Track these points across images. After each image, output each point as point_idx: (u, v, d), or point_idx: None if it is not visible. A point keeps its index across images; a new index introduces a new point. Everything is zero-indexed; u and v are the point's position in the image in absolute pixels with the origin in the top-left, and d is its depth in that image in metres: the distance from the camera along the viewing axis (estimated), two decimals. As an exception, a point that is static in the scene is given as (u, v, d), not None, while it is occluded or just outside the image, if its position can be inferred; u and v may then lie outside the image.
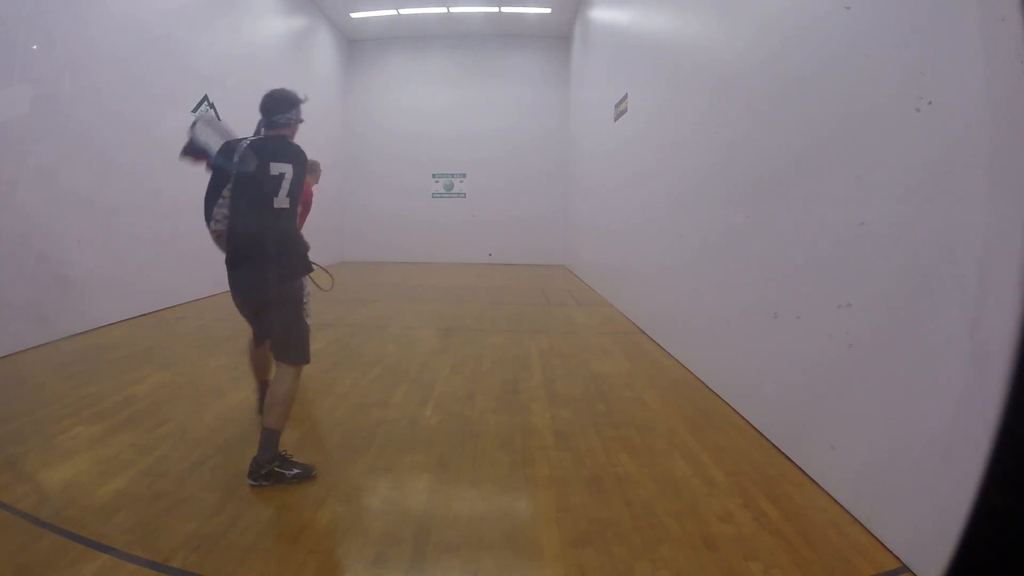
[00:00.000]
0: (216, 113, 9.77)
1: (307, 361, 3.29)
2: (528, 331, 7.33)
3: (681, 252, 5.80)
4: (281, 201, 3.15)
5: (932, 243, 2.34)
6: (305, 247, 3.43)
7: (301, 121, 3.37)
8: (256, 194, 3.11)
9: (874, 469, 2.67)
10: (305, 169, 3.24)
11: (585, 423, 4.04)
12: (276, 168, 3.13)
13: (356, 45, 17.78)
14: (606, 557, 2.46)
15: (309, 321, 3.19)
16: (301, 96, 3.34)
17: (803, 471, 3.24)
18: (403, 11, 15.63)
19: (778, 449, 3.56)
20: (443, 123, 17.64)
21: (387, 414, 4.17)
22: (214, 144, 3.26)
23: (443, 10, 15.52)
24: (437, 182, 17.87)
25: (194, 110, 9.21)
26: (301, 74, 14.28)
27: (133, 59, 7.58)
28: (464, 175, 17.49)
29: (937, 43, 2.35)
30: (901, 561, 2.40)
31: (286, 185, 3.15)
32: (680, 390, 4.86)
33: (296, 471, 3.08)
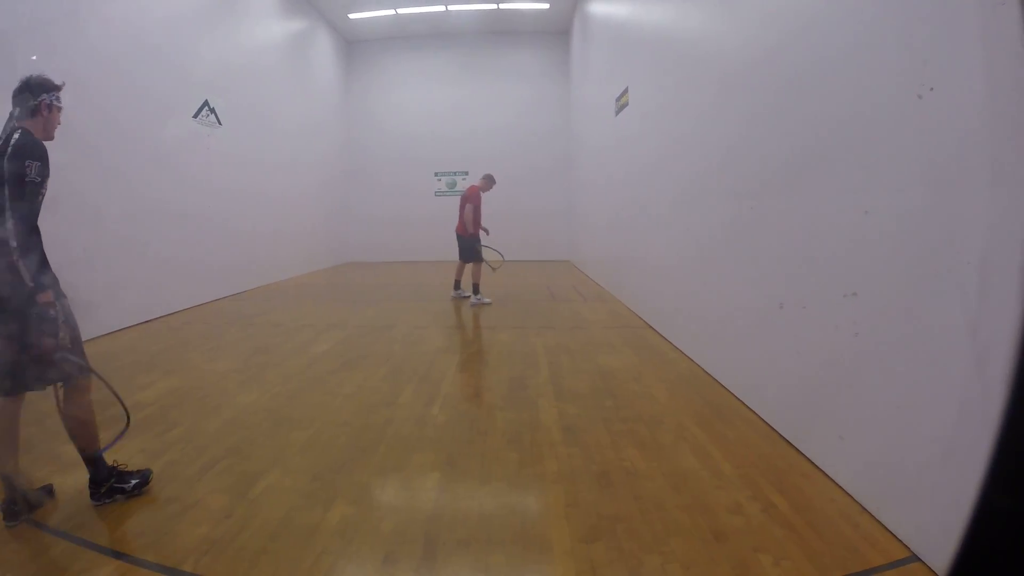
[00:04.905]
0: (217, 118, 9.79)
1: (66, 377, 2.83)
2: (534, 327, 7.33)
3: (686, 245, 5.79)
4: None
5: (937, 230, 2.33)
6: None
7: (59, 107, 2.92)
8: None
9: (882, 459, 2.66)
10: (17, 165, 2.59)
11: (593, 418, 4.04)
12: None
13: (355, 46, 17.81)
14: (616, 552, 2.46)
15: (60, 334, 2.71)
16: (57, 82, 2.92)
17: (812, 462, 3.23)
18: (401, 11, 15.63)
19: (786, 441, 3.55)
20: (444, 121, 17.65)
21: (395, 413, 4.18)
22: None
23: (441, 8, 15.52)
24: (440, 180, 17.89)
25: (195, 116, 9.24)
26: (301, 77, 14.31)
27: (132, 66, 7.60)
28: (467, 173, 17.48)
29: (938, 30, 2.33)
30: (911, 550, 2.39)
31: None
32: (687, 383, 4.85)
33: (135, 481, 2.98)
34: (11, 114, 2.78)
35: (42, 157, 2.67)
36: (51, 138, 2.86)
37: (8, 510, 2.74)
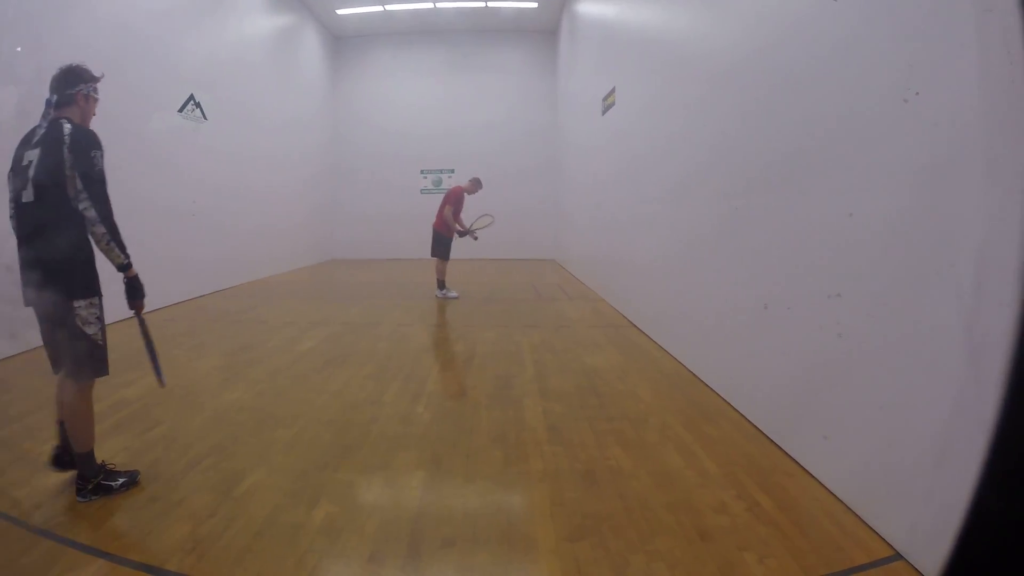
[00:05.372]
0: (203, 112, 9.71)
1: (90, 377, 2.93)
2: (519, 326, 7.33)
3: (671, 245, 5.81)
4: (28, 195, 2.76)
5: (921, 233, 2.36)
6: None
7: (95, 98, 3.03)
8: (11, 191, 2.85)
9: (867, 458, 2.69)
10: (64, 153, 2.73)
11: (578, 417, 4.05)
12: (28, 157, 2.79)
13: (342, 42, 17.72)
14: (602, 550, 2.46)
15: (90, 331, 2.87)
16: (96, 73, 3.02)
17: (796, 462, 3.26)
18: (389, 7, 15.57)
19: (771, 440, 3.58)
20: (431, 118, 17.60)
21: (380, 411, 4.17)
22: None
23: (430, 5, 15.48)
24: (425, 178, 17.84)
25: (180, 110, 9.16)
26: (287, 72, 14.21)
27: (118, 60, 7.49)
28: (452, 171, 17.44)
29: (925, 34, 2.35)
30: (895, 549, 2.41)
31: (31, 174, 2.75)
32: (672, 383, 4.87)
33: (123, 480, 2.97)
34: (48, 100, 2.85)
35: (100, 144, 2.82)
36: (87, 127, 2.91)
37: (81, 486, 2.89)
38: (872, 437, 2.64)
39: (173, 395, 3.91)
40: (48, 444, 3.39)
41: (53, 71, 2.90)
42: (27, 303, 2.93)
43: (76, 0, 6.81)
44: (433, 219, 9.51)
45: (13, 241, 2.88)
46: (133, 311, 3.08)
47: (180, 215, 8.86)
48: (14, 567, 2.34)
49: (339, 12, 15.81)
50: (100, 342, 2.92)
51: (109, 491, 2.92)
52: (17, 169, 2.82)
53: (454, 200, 9.34)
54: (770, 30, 3.76)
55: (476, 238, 9.70)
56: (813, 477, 3.08)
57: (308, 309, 8.80)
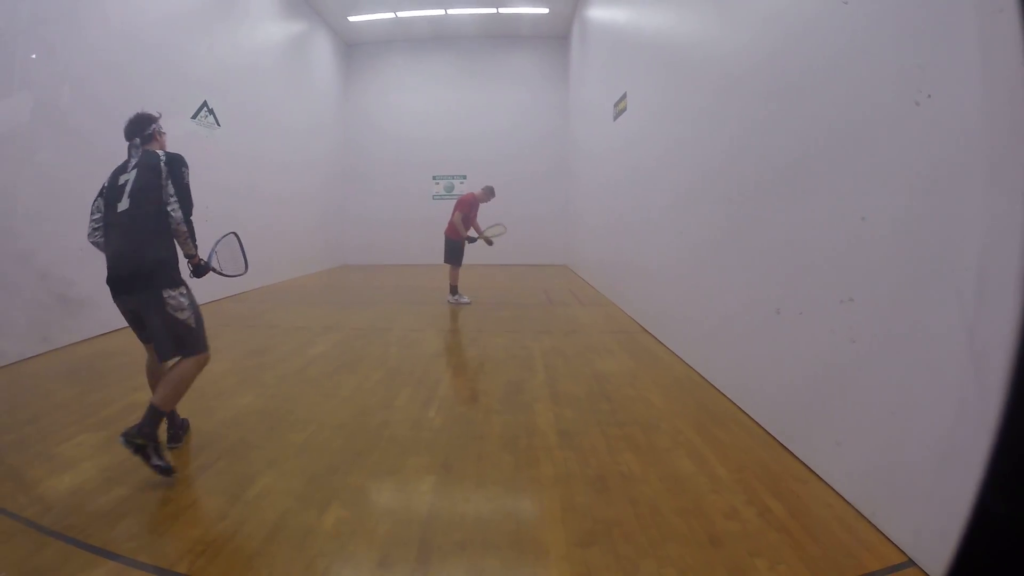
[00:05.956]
0: (215, 119, 9.78)
1: (192, 354, 3.34)
2: (531, 331, 7.33)
3: (682, 250, 5.79)
4: (124, 204, 3.32)
5: (933, 236, 2.34)
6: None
7: (163, 132, 3.71)
8: (99, 210, 3.47)
9: (879, 464, 2.67)
10: (161, 168, 3.38)
11: (589, 422, 4.03)
12: (122, 179, 3.40)
13: (354, 49, 17.83)
14: (612, 556, 2.45)
15: (183, 316, 3.29)
16: (155, 113, 3.69)
17: (808, 467, 3.24)
18: (401, 14, 15.65)
19: (783, 446, 3.55)
20: (442, 125, 17.67)
21: (391, 416, 4.18)
22: (226, 264, 3.81)
23: (441, 12, 15.55)
24: (438, 184, 17.90)
25: (194, 117, 9.23)
26: (300, 79, 14.31)
27: (132, 67, 7.59)
28: (465, 177, 17.50)
29: (936, 36, 2.34)
30: (907, 555, 2.39)
31: (127, 189, 3.34)
32: (684, 388, 4.85)
33: (159, 463, 3.10)
34: (133, 143, 3.53)
35: (187, 164, 3.48)
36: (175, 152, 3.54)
37: (172, 435, 3.59)
38: (885, 443, 2.62)
39: (184, 399, 3.90)
40: (60, 446, 3.43)
41: (126, 117, 3.60)
42: (120, 300, 3.34)
43: (89, 7, 6.90)
44: (445, 226, 9.56)
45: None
46: (201, 276, 3.67)
47: (194, 220, 8.85)
48: (25, 568, 2.35)
49: (351, 19, 15.90)
50: (193, 324, 3.33)
51: (145, 459, 3.10)
52: (111, 188, 3.40)
53: (465, 207, 9.38)
54: (780, 34, 3.74)
55: (491, 243, 9.71)
56: (825, 482, 3.05)
57: (320, 314, 8.83)
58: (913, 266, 2.46)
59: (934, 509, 2.25)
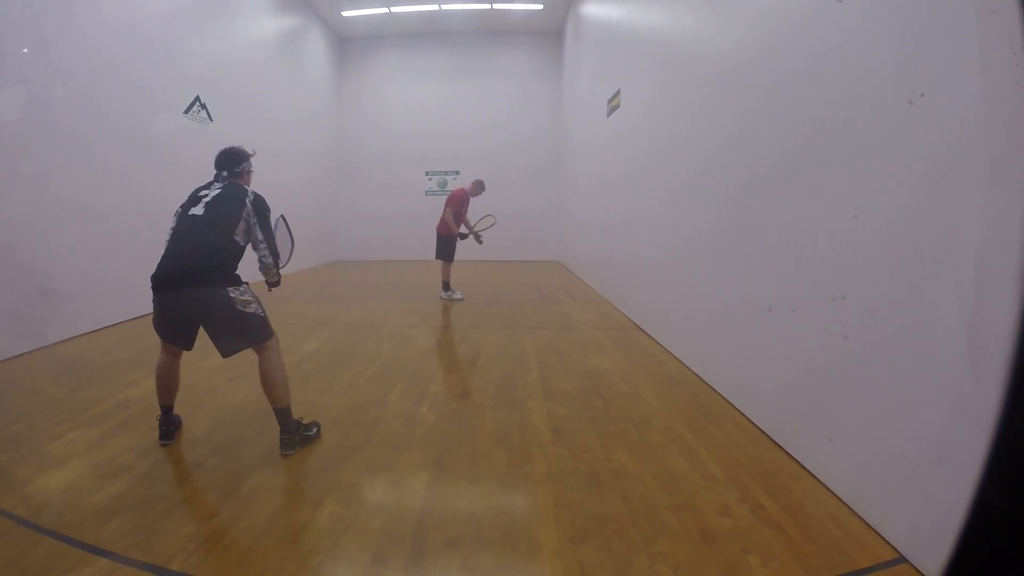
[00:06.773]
0: (208, 114, 9.73)
1: (262, 341, 3.54)
2: (524, 328, 7.33)
3: (676, 247, 5.80)
4: (198, 210, 3.50)
5: (926, 235, 2.35)
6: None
7: (251, 171, 3.92)
8: (178, 216, 3.61)
9: (871, 461, 2.68)
10: (246, 204, 3.57)
11: (582, 419, 4.04)
12: (202, 193, 3.62)
13: (348, 43, 17.73)
14: (605, 552, 2.46)
15: (252, 309, 3.49)
16: (250, 151, 3.90)
17: (800, 464, 3.25)
18: (395, 9, 15.57)
19: (775, 443, 3.57)
20: (436, 120, 17.59)
21: (384, 412, 4.17)
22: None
23: (435, 7, 15.48)
24: (430, 179, 17.84)
25: (186, 111, 9.18)
26: (293, 74, 14.24)
27: (124, 62, 7.53)
28: (458, 172, 17.44)
29: (930, 36, 2.35)
30: (899, 552, 2.40)
31: (205, 201, 3.55)
32: (676, 385, 4.87)
33: (315, 429, 3.65)
34: (220, 173, 3.71)
35: (270, 208, 3.72)
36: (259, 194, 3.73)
37: (164, 432, 3.60)
38: (877, 440, 2.63)
39: (178, 395, 3.90)
40: (51, 444, 3.42)
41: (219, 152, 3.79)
42: (165, 297, 3.41)
43: (82, 2, 6.84)
44: (437, 222, 9.57)
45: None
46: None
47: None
48: (17, 566, 2.34)
49: (344, 14, 15.82)
50: (261, 314, 3.54)
51: (309, 440, 3.58)
52: (190, 199, 3.59)
53: (455, 203, 9.40)
54: (774, 31, 3.75)
55: (481, 241, 9.70)
56: (817, 479, 3.06)
57: (312, 310, 8.80)
58: (905, 264, 2.47)
59: (926, 506, 2.26)
